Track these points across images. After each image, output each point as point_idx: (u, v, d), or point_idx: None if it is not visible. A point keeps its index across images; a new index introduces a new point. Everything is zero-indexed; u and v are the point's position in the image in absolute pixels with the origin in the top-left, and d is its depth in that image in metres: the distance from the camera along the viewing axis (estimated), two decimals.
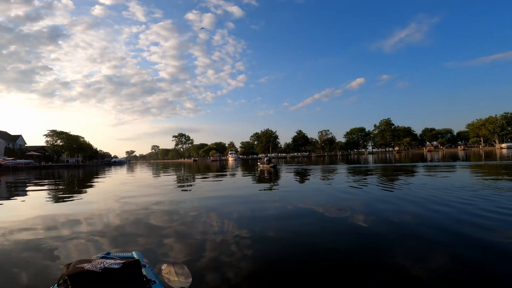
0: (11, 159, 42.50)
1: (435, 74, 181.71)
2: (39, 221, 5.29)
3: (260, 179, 13.81)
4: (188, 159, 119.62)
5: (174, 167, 38.63)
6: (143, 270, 1.92)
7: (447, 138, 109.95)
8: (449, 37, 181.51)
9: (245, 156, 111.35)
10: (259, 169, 22.50)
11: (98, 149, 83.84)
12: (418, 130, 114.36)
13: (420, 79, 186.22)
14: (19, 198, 9.45)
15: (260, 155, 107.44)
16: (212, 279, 2.59)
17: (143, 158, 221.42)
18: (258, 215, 5.38)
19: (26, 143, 67.85)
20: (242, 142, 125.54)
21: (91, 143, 75.34)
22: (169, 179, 16.19)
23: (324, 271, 2.73)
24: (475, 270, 2.63)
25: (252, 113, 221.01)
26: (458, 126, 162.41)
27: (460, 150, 62.49)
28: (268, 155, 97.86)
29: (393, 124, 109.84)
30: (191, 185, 12.09)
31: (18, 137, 65.50)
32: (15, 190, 12.42)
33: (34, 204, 7.98)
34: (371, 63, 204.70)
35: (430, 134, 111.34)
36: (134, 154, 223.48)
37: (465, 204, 5.36)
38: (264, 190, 9.55)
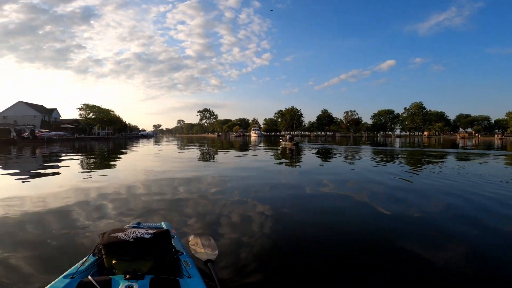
0: (46, 131, 44.82)
1: (475, 59, 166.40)
2: (73, 192, 5.62)
3: (281, 157, 13.80)
4: (212, 134, 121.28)
5: (198, 141, 39.56)
6: (172, 240, 1.96)
7: (483, 125, 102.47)
8: (493, 22, 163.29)
9: (268, 133, 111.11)
10: (281, 147, 22.46)
11: (127, 123, 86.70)
12: (451, 116, 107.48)
13: (457, 64, 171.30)
14: (53, 170, 10.06)
15: (283, 133, 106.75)
16: (225, 251, 2.65)
17: (169, 132, 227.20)
18: (275, 193, 5.43)
19: (61, 116, 71.42)
20: (266, 119, 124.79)
21: (120, 117, 77.87)
22: (193, 153, 16.57)
23: (332, 253, 2.71)
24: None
25: (276, 91, 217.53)
26: (496, 114, 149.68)
27: (496, 139, 58.10)
28: (292, 133, 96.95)
29: (425, 108, 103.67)
30: (214, 160, 12.33)
31: (54, 110, 68.97)
32: (49, 161, 13.22)
33: (68, 175, 8.39)
34: (404, 46, 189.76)
35: (465, 121, 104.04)
36: (160, 128, 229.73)
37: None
38: (285, 167, 9.51)
